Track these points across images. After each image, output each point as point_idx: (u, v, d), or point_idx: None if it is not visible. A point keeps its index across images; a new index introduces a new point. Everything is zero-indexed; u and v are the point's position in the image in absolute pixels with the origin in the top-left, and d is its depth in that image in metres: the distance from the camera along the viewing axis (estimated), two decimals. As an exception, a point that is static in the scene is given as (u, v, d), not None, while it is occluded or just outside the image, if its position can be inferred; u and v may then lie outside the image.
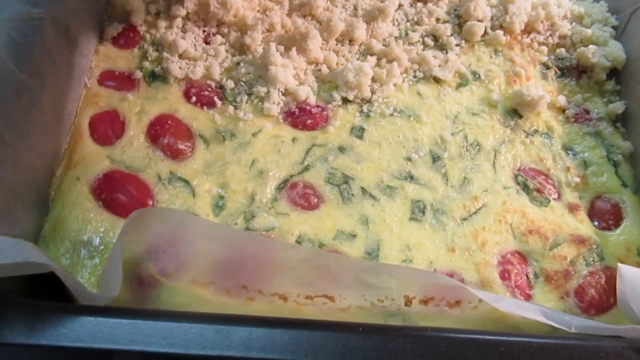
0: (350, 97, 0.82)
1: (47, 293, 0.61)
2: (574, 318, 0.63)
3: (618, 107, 0.84)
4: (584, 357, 0.57)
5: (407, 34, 0.90)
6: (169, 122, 0.79)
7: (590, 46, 0.89)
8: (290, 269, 0.64)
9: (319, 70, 0.85)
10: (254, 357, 0.56)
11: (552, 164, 0.80)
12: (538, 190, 0.77)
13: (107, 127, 0.78)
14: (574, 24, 0.93)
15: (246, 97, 0.82)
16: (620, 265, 0.66)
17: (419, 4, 0.95)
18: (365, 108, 0.83)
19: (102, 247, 0.69)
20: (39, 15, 0.71)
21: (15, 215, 0.65)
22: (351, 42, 0.88)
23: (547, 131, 0.83)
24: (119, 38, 0.86)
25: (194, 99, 0.81)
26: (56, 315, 0.56)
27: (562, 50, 0.91)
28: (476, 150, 0.80)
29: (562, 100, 0.85)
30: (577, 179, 0.78)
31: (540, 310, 0.64)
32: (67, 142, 0.76)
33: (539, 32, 0.92)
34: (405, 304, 0.66)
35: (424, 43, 0.90)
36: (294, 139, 0.79)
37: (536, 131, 0.83)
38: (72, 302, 0.62)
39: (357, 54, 0.88)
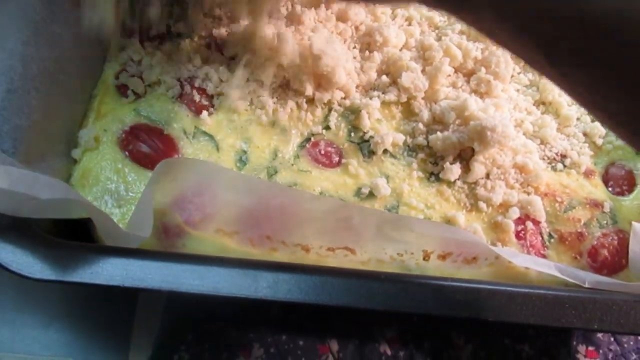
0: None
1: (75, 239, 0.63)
2: (588, 274, 0.65)
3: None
4: (597, 308, 0.59)
5: None
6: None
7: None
8: (314, 220, 0.65)
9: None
10: (280, 299, 0.58)
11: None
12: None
13: (134, 81, 0.79)
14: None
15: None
16: (634, 223, 0.68)
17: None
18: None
19: (128, 196, 0.71)
20: (70, -32, 0.72)
21: (46, 161, 0.67)
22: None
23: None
24: (144, -4, 0.87)
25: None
26: (90, 255, 0.58)
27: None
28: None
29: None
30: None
31: (555, 266, 0.66)
32: (96, 94, 0.78)
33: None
34: (424, 259, 0.68)
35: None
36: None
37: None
38: (102, 245, 0.64)
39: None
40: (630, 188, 0.77)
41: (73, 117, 0.73)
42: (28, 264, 0.57)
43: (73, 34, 0.71)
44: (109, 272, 0.57)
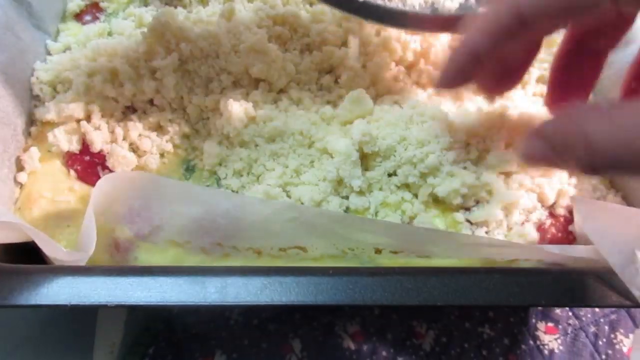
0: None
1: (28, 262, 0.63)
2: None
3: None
4: (545, 284, 0.60)
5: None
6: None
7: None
8: (262, 222, 0.65)
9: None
10: (229, 303, 0.58)
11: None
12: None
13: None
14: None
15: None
16: (576, 196, 0.69)
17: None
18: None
19: (76, 215, 0.71)
20: (-2, -8, 0.72)
21: (-12, 186, 0.67)
22: None
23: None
24: (82, 15, 0.87)
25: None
26: (35, 276, 0.58)
27: None
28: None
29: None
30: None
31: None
32: (37, 115, 0.77)
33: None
34: (375, 253, 0.69)
35: None
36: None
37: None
38: (50, 266, 0.64)
39: None
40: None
41: (16, 140, 0.73)
42: (-29, 291, 0.56)
43: (8, 57, 0.71)
44: (55, 291, 0.57)
